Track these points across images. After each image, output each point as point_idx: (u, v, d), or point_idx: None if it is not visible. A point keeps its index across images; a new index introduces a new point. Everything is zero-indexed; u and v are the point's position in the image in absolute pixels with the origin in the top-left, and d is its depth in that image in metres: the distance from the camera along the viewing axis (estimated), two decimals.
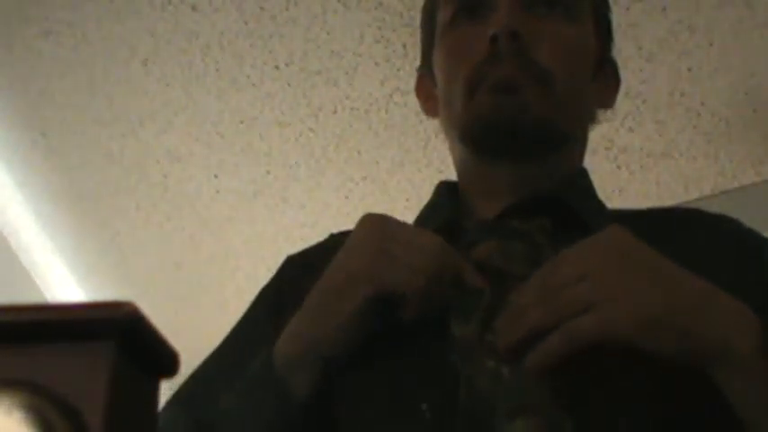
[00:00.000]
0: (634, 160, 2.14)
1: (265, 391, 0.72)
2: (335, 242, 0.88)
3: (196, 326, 2.57)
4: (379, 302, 0.70)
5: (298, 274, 0.88)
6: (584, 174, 0.91)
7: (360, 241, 0.74)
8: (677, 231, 0.82)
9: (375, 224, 0.74)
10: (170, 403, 0.81)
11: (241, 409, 0.73)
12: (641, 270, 0.62)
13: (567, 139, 0.87)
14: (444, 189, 0.92)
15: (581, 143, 0.92)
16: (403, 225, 0.76)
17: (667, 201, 2.21)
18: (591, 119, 0.92)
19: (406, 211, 2.33)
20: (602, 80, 0.92)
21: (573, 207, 0.83)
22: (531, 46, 0.82)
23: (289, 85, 2.02)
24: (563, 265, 0.63)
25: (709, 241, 0.80)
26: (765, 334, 0.61)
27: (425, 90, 0.96)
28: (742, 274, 0.76)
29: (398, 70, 1.97)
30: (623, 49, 1.89)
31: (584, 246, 0.64)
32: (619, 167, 2.15)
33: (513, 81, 0.82)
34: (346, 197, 2.26)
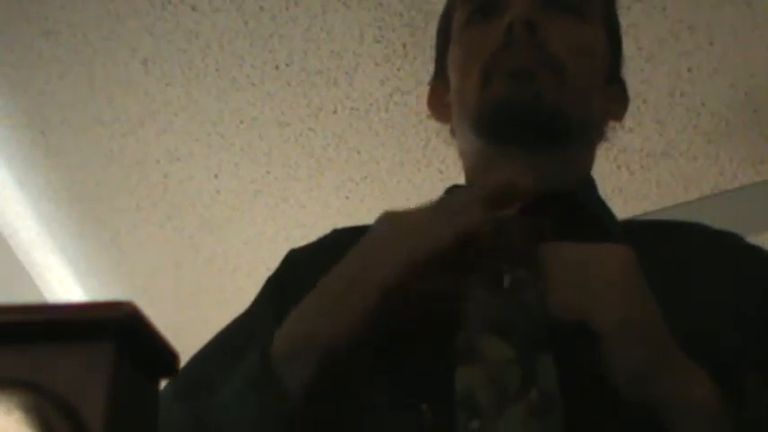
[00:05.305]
0: (634, 160, 2.14)
1: (259, 385, 0.69)
2: (339, 237, 0.87)
3: (196, 326, 2.56)
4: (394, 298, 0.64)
5: (300, 268, 0.87)
6: (592, 181, 0.92)
7: (376, 233, 0.68)
8: (680, 247, 0.82)
9: (392, 217, 0.68)
10: (172, 397, 0.80)
11: (236, 402, 0.71)
12: (638, 289, 0.64)
13: (577, 132, 0.88)
14: (454, 190, 0.92)
15: (590, 145, 0.92)
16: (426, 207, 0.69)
17: (667, 201, 2.21)
18: (601, 123, 0.93)
19: None
20: (612, 93, 0.94)
21: (588, 207, 0.84)
22: (546, 37, 0.84)
23: (289, 85, 2.02)
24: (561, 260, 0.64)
25: (712, 258, 0.81)
26: (715, 385, 0.63)
27: (438, 98, 0.97)
28: (741, 293, 0.76)
29: (398, 70, 1.97)
30: (623, 49, 1.90)
31: (594, 249, 0.65)
32: (619, 167, 2.15)
33: (528, 68, 0.83)
34: (346, 197, 2.26)
